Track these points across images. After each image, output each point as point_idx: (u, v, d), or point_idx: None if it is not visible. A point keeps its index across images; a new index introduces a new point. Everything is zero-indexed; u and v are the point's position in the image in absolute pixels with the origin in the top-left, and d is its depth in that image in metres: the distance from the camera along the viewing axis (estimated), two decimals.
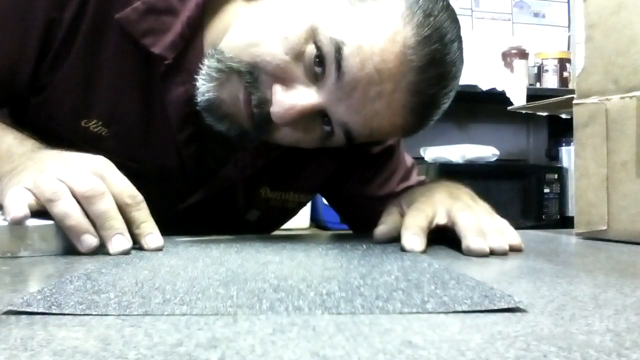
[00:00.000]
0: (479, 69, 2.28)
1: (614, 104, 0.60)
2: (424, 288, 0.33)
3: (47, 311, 0.27)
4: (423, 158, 2.30)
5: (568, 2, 2.86)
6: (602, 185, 0.61)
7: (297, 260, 0.43)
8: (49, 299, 0.30)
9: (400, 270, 0.39)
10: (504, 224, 0.55)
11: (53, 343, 0.23)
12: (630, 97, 0.58)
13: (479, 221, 0.51)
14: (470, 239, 0.49)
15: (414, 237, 0.50)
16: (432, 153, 2.27)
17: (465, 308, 0.28)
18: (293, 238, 0.61)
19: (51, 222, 0.47)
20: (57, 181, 0.47)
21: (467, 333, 0.24)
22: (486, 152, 2.27)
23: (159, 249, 0.49)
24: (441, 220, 0.54)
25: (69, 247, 0.47)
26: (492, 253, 0.49)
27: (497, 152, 2.29)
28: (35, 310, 0.27)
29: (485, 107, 2.54)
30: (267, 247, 0.50)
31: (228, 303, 0.29)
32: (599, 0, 0.62)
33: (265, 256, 0.45)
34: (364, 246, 0.52)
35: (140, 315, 0.27)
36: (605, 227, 0.60)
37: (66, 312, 0.27)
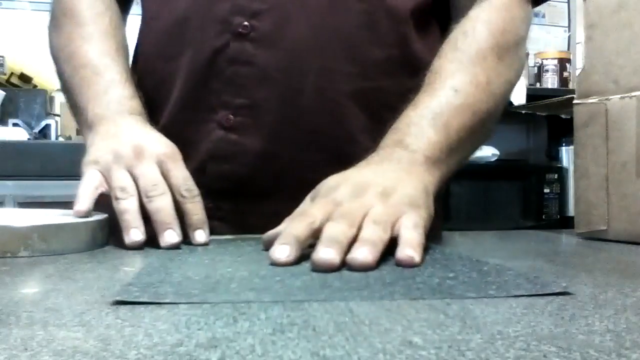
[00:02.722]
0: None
1: (614, 104, 0.60)
2: (472, 277, 0.36)
3: (156, 300, 0.30)
4: None
5: (568, 2, 2.86)
6: (602, 186, 0.61)
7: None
8: (147, 290, 0.32)
9: (437, 262, 0.41)
10: (404, 233, 0.42)
11: (53, 343, 0.23)
12: (630, 97, 0.58)
13: (343, 231, 0.41)
14: (318, 250, 0.40)
15: (282, 247, 0.41)
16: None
17: (523, 293, 0.31)
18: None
19: (51, 222, 0.48)
20: (128, 179, 0.53)
21: (467, 333, 0.24)
22: (486, 152, 2.27)
23: (205, 244, 0.52)
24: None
25: (68, 247, 0.47)
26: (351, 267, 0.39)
27: (497, 152, 2.29)
28: (143, 300, 0.30)
29: None
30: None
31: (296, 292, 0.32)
32: (599, 0, 0.62)
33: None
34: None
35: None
36: (605, 227, 0.60)
37: (166, 301, 0.29)
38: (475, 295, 0.31)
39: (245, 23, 0.62)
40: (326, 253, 0.39)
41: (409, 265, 0.40)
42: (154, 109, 0.67)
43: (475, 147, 0.63)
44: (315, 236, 0.42)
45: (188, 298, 0.30)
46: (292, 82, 0.62)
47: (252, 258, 0.44)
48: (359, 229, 0.42)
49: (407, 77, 0.64)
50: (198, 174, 0.63)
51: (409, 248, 0.40)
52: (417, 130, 0.54)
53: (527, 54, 2.60)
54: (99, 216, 0.53)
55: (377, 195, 0.46)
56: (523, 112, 1.96)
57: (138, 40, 0.72)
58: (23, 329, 0.25)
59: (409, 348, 0.22)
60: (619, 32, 0.60)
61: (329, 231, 0.41)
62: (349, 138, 0.63)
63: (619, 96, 0.59)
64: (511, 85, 0.63)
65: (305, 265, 0.40)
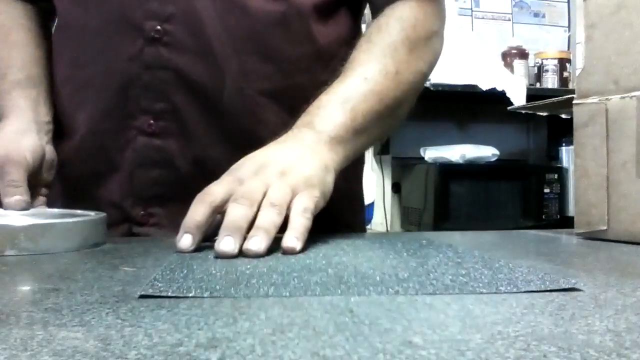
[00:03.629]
0: (479, 69, 2.28)
1: (614, 104, 0.60)
2: (484, 274, 0.36)
3: (180, 295, 0.31)
4: (423, 158, 2.30)
5: (568, 2, 2.87)
6: (602, 185, 0.60)
7: (354, 255, 0.45)
8: (171, 285, 0.33)
9: (450, 260, 0.42)
10: (293, 220, 0.48)
11: (53, 343, 0.23)
12: (630, 97, 0.58)
13: (243, 214, 0.47)
14: (219, 240, 0.45)
15: (184, 236, 0.47)
16: (432, 153, 2.27)
17: (533, 288, 0.32)
18: (325, 240, 0.58)
19: (39, 222, 0.48)
20: None
21: (467, 333, 0.24)
22: (486, 152, 2.27)
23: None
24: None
25: (56, 247, 0.48)
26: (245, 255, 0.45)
27: (497, 152, 2.29)
28: (168, 294, 0.31)
29: (485, 107, 2.54)
30: (327, 244, 0.51)
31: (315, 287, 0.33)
32: (599, 0, 0.62)
33: (328, 251, 0.47)
34: (399, 244, 0.51)
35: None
36: (605, 227, 0.60)
37: (190, 295, 0.31)
38: (486, 291, 0.32)
39: (158, 27, 0.62)
40: (226, 244, 0.44)
41: (291, 253, 0.45)
42: (72, 118, 0.67)
43: (385, 131, 0.66)
44: (217, 212, 0.48)
45: (211, 293, 0.31)
46: (211, 85, 0.63)
47: (269, 255, 0.45)
48: (259, 207, 0.48)
49: (319, 71, 0.68)
50: (127, 182, 0.64)
51: (293, 237, 0.46)
52: (325, 113, 0.58)
53: (527, 54, 2.60)
54: (91, 216, 0.53)
55: (276, 174, 0.51)
56: (523, 112, 1.96)
57: (54, 49, 0.72)
58: (23, 329, 0.25)
59: (409, 348, 0.22)
60: (619, 32, 0.60)
61: (230, 215, 0.47)
62: (273, 135, 0.60)
63: (619, 96, 0.59)
64: (422, 76, 0.67)
65: (322, 262, 0.41)
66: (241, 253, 0.45)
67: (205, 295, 0.31)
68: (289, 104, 0.65)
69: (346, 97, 0.59)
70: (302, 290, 0.32)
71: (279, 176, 0.51)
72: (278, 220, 0.48)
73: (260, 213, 0.47)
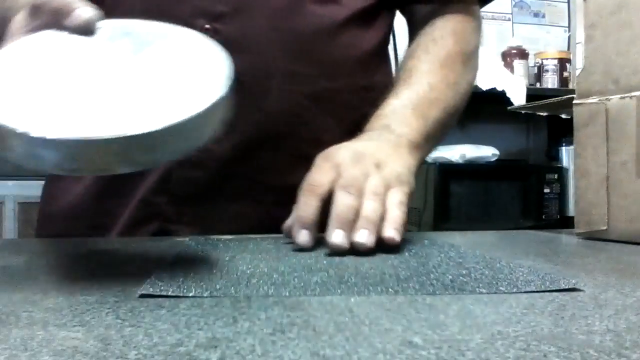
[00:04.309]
0: (479, 69, 2.28)
1: (614, 104, 0.60)
2: (484, 274, 0.37)
3: (180, 294, 0.31)
4: None
5: (568, 2, 2.86)
6: (602, 185, 0.60)
7: (354, 256, 0.45)
8: (171, 284, 0.33)
9: (452, 260, 0.42)
10: (391, 211, 0.48)
11: (53, 343, 0.23)
12: (630, 97, 0.58)
13: (352, 205, 0.47)
14: (331, 232, 0.45)
15: (302, 232, 0.47)
16: (432, 153, 2.27)
17: (533, 288, 0.33)
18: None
19: (153, 128, 0.35)
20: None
21: (467, 333, 0.24)
22: (486, 152, 2.27)
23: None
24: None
25: (174, 153, 0.39)
26: (355, 248, 0.45)
27: (497, 152, 2.29)
28: (168, 293, 0.31)
29: (485, 107, 2.53)
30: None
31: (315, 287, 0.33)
32: (599, 0, 0.62)
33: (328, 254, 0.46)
34: (402, 244, 0.51)
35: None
36: (605, 227, 0.60)
37: (190, 295, 0.31)
38: (486, 291, 0.32)
39: (208, 26, 0.61)
40: (337, 237, 0.44)
41: (391, 244, 0.45)
42: None
43: (443, 139, 0.69)
44: (326, 200, 0.48)
45: (211, 292, 0.31)
46: (258, 86, 0.62)
47: (271, 255, 0.45)
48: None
49: (359, 76, 0.69)
50: (163, 182, 0.62)
51: (393, 229, 0.46)
52: (400, 118, 0.60)
53: (527, 54, 2.60)
54: (212, 97, 0.42)
55: (373, 165, 0.51)
56: (523, 112, 1.97)
57: None
58: (23, 329, 0.25)
59: (409, 348, 0.22)
60: (619, 32, 0.60)
61: (339, 206, 0.46)
62: (314, 139, 0.61)
63: (619, 96, 0.59)
64: (471, 87, 0.70)
65: (323, 262, 0.42)
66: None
67: (205, 295, 0.31)
68: (331, 108, 0.66)
69: (416, 104, 0.61)
70: (302, 290, 0.32)
71: (376, 168, 0.51)
72: (381, 211, 0.47)
73: (365, 202, 0.47)
